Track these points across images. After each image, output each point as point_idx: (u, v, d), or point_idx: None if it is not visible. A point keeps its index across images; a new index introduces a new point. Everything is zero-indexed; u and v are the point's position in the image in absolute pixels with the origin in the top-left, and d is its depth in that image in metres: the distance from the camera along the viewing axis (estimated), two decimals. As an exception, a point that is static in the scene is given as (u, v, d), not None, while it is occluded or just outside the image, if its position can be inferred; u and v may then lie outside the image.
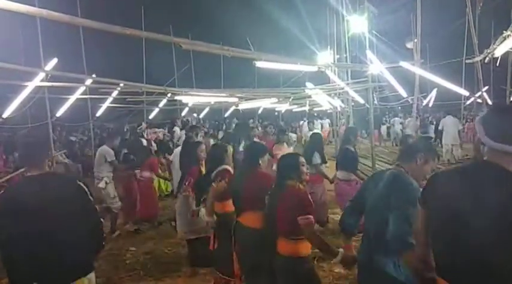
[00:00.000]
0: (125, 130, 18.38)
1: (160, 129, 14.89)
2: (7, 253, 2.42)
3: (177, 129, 14.57)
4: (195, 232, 4.77)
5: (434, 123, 18.35)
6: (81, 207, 2.51)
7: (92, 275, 2.57)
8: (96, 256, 2.96)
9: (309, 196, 3.17)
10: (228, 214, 4.02)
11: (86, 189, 2.61)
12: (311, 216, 3.00)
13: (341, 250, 2.95)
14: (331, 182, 6.49)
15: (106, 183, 6.73)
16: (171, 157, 7.65)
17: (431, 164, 2.68)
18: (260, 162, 3.70)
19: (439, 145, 13.42)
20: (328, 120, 22.19)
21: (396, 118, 21.35)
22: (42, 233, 2.34)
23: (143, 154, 7.43)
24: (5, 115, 8.64)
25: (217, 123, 20.31)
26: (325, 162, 6.69)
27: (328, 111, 18.83)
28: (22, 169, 9.66)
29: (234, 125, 13.71)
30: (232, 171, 4.28)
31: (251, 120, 18.80)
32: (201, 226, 4.59)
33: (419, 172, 2.65)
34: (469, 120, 18.36)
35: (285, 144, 7.52)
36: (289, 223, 3.03)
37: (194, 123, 15.34)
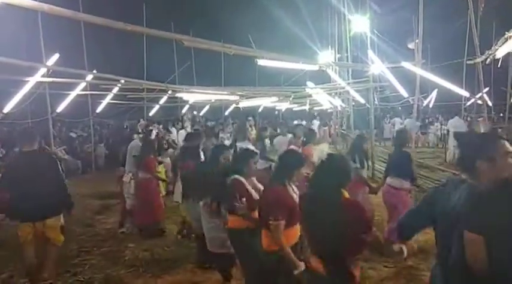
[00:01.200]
0: (125, 127, 18.40)
1: (154, 125, 14.77)
2: (12, 193, 4.18)
3: (173, 129, 14.07)
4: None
5: (435, 124, 18.39)
6: (53, 170, 4.29)
7: (61, 217, 4.40)
8: (64, 204, 4.41)
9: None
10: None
11: (58, 161, 4.46)
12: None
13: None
14: (375, 192, 5.72)
15: (131, 178, 6.46)
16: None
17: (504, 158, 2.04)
18: (294, 176, 3.25)
19: (445, 146, 13.39)
20: (317, 122, 22.34)
21: (397, 119, 21.36)
22: (30, 183, 4.09)
23: (142, 152, 6.57)
24: (5, 110, 8.64)
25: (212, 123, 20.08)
26: (364, 167, 5.99)
27: (329, 111, 18.85)
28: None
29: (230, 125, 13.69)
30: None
31: (250, 118, 18.78)
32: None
33: (495, 174, 2.03)
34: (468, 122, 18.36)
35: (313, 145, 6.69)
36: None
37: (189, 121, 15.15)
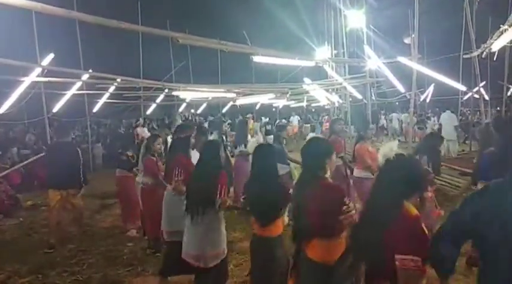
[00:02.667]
0: (124, 125, 18.35)
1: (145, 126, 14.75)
2: (49, 169, 6.24)
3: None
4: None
5: (432, 118, 18.40)
6: (75, 156, 5.94)
7: (79, 190, 6.13)
8: (79, 180, 5.97)
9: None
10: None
11: (79, 151, 6.10)
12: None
13: None
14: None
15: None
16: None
17: None
18: (327, 165, 2.76)
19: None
20: (297, 117, 22.42)
21: (394, 114, 21.41)
22: (60, 163, 5.78)
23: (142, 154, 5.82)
24: (1, 111, 8.59)
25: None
26: (438, 174, 5.21)
27: (326, 107, 18.85)
28: (17, 166, 9.67)
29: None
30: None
31: (249, 115, 18.78)
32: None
33: None
34: (464, 116, 18.41)
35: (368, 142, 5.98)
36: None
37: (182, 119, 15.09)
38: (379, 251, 2.09)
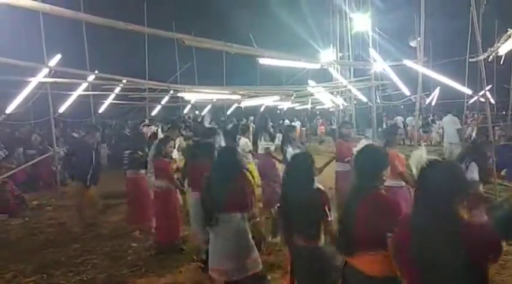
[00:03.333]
0: (129, 126, 18.40)
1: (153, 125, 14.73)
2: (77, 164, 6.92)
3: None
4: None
5: (437, 122, 18.33)
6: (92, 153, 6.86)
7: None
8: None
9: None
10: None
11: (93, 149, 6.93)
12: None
13: None
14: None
15: None
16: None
17: None
18: (383, 176, 2.65)
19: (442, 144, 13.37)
20: (298, 122, 22.36)
21: (398, 117, 21.34)
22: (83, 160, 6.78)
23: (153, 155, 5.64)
24: (8, 111, 8.65)
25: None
26: (488, 182, 4.75)
27: (331, 110, 18.83)
28: (25, 165, 9.73)
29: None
30: None
31: (251, 118, 18.78)
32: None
33: None
34: (470, 119, 18.31)
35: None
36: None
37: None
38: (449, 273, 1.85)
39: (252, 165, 6.66)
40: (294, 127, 7.48)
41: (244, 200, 3.45)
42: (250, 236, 3.51)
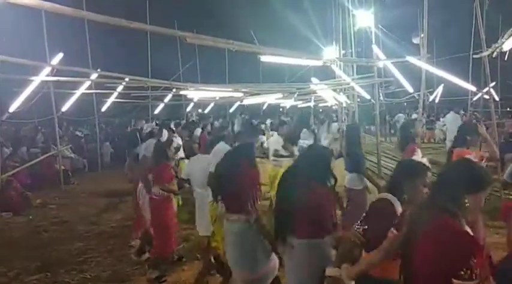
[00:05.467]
0: (132, 125, 18.41)
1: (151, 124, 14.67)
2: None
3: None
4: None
5: (441, 119, 18.24)
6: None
7: None
8: None
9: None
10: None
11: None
12: None
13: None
14: None
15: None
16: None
17: None
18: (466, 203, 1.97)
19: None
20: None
21: (400, 115, 21.26)
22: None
23: (155, 157, 4.94)
24: (11, 110, 8.69)
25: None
26: None
27: (334, 107, 18.76)
28: (29, 163, 9.76)
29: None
30: None
31: (243, 116, 18.70)
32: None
33: None
34: (474, 117, 18.18)
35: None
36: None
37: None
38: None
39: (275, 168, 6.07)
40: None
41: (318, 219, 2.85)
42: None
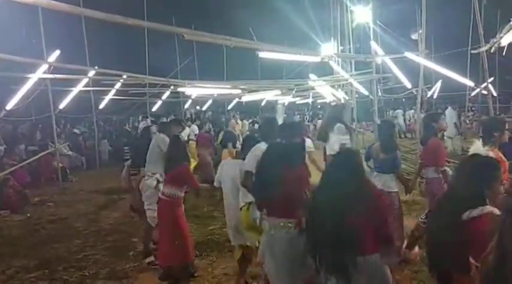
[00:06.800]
0: (131, 122, 18.40)
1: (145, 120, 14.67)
2: None
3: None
4: None
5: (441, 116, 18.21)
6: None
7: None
8: None
9: None
10: None
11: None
12: None
13: None
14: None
15: (158, 181, 4.77)
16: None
17: None
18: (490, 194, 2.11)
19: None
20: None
21: (399, 110, 21.29)
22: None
23: (171, 157, 4.39)
24: (8, 107, 8.66)
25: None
26: None
27: (332, 103, 18.75)
28: (26, 161, 9.74)
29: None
30: None
31: (234, 113, 18.54)
32: None
33: None
34: (472, 112, 18.21)
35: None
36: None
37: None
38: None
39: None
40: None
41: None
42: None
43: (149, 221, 4.81)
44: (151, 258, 4.88)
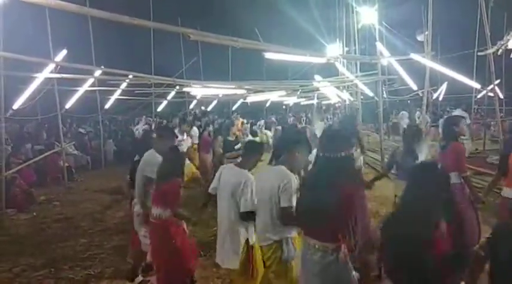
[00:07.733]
0: (136, 123, 18.43)
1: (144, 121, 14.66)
2: None
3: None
4: None
5: (445, 117, 18.15)
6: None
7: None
8: None
9: None
10: None
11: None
12: None
13: None
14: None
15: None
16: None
17: None
18: None
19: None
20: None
21: (404, 112, 21.18)
22: None
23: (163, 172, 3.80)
24: (15, 107, 8.71)
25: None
26: None
27: (337, 104, 18.73)
28: (33, 160, 9.80)
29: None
30: None
31: (235, 114, 18.52)
32: None
33: None
34: (478, 114, 18.08)
35: None
36: None
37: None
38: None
39: None
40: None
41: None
42: None
43: (142, 248, 4.22)
44: (140, 279, 4.46)
